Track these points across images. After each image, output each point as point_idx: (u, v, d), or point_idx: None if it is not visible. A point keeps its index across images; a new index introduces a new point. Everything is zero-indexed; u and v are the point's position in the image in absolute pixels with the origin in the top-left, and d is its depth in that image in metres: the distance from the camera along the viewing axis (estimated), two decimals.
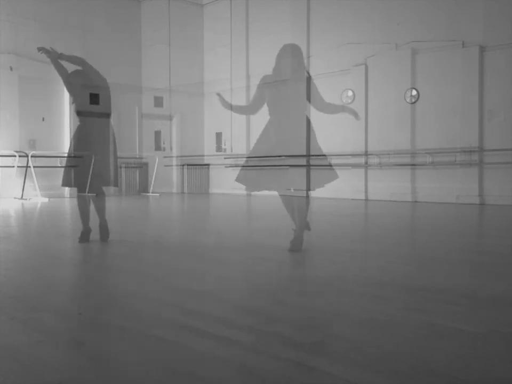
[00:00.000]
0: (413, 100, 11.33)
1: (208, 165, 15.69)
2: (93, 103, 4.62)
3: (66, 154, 5.26)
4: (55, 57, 4.80)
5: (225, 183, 15.06)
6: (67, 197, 13.18)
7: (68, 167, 5.11)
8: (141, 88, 14.84)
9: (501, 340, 2.17)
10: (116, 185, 5.59)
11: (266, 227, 6.52)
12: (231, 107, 4.96)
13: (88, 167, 4.91)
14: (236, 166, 14.71)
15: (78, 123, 5.02)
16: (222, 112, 15.47)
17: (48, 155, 13.22)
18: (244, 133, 14.83)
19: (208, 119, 16.04)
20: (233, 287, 3.29)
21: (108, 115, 4.88)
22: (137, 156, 15.57)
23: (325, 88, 12.99)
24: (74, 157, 4.88)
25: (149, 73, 14.69)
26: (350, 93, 12.42)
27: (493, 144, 10.26)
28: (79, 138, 4.99)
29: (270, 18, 14.19)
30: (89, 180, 4.88)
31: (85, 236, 5.05)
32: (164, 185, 15.30)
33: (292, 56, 4.54)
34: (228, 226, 6.81)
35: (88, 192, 4.91)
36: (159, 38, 15.21)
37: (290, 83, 4.56)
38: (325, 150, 5.04)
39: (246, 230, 6.23)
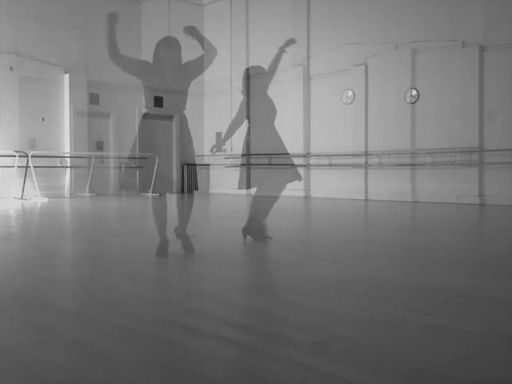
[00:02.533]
0: (413, 100, 11.33)
1: (208, 165, 15.69)
2: (157, 105, 4.58)
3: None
4: None
5: (225, 183, 15.07)
6: (67, 197, 13.19)
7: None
8: (141, 88, 14.82)
9: (501, 340, 2.17)
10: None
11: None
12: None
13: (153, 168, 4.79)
14: (236, 166, 14.74)
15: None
16: (222, 112, 15.48)
17: (48, 155, 13.24)
18: (243, 133, 14.82)
19: (208, 119, 16.05)
20: (233, 287, 3.29)
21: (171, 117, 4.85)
22: (137, 156, 15.57)
23: (325, 88, 13.06)
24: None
25: None
26: (350, 93, 12.43)
27: (493, 144, 10.27)
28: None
29: (270, 18, 14.20)
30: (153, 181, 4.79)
31: (163, 249, 4.24)
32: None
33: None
34: (228, 227, 6.81)
35: (152, 193, 4.81)
36: (159, 38, 15.21)
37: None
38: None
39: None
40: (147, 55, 15.53)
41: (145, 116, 4.67)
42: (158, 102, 4.49)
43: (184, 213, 4.60)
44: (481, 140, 10.45)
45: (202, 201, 11.97)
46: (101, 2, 14.65)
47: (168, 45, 4.44)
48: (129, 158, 4.87)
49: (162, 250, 4.22)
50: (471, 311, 2.61)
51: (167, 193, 4.71)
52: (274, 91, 5.34)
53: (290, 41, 5.14)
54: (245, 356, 1.98)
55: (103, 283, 3.37)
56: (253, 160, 5.70)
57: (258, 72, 5.29)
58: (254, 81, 5.30)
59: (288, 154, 5.38)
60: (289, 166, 5.27)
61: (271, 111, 5.20)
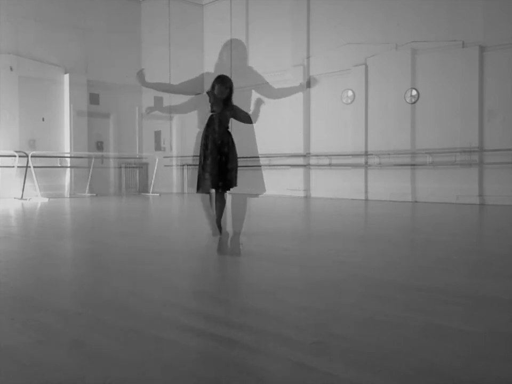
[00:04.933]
0: (413, 100, 11.33)
1: None
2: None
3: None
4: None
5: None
6: (67, 197, 13.19)
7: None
8: (141, 88, 14.85)
9: (501, 340, 2.17)
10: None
11: (264, 226, 6.52)
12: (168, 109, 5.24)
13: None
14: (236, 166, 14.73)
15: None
16: None
17: (48, 155, 13.24)
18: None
19: None
20: (233, 287, 3.29)
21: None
22: (137, 156, 15.58)
23: (325, 88, 13.08)
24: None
25: (149, 73, 14.67)
26: (350, 93, 12.43)
27: (493, 144, 10.27)
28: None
29: (270, 18, 14.20)
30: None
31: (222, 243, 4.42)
32: (164, 185, 15.29)
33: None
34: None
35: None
36: (159, 38, 15.22)
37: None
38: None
39: (245, 230, 6.21)
40: (147, 55, 15.59)
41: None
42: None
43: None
44: (481, 140, 10.45)
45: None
46: (101, 2, 14.66)
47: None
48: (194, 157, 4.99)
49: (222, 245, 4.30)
50: (471, 311, 2.61)
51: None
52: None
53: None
54: (245, 356, 1.98)
55: (103, 283, 3.37)
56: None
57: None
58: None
59: (258, 157, 5.51)
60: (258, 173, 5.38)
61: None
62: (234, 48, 4.78)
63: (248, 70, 5.05)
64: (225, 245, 4.35)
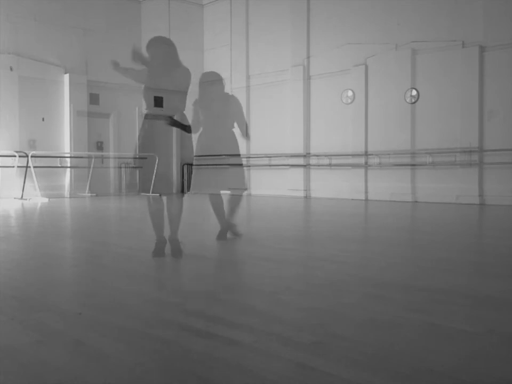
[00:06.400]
0: (413, 100, 11.33)
1: (207, 165, 15.68)
2: (157, 105, 4.55)
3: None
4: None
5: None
6: (67, 197, 13.19)
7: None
8: (141, 88, 14.83)
9: (501, 340, 2.17)
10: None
11: (264, 227, 6.52)
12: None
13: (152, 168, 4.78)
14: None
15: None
16: None
17: (48, 155, 13.24)
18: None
19: None
20: (233, 287, 3.29)
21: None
22: (138, 156, 15.56)
23: (325, 88, 13.06)
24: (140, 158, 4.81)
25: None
26: (350, 93, 12.43)
27: (493, 144, 10.26)
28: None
29: (270, 18, 14.19)
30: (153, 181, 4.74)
31: (160, 249, 4.28)
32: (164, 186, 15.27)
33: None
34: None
35: (151, 193, 4.77)
36: None
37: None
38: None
39: (245, 230, 6.22)
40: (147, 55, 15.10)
41: (146, 116, 4.63)
42: (158, 102, 4.48)
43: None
44: (481, 139, 10.45)
45: (199, 202, 11.95)
46: (101, 2, 14.65)
47: (164, 44, 4.41)
48: (134, 158, 4.81)
49: (159, 250, 4.24)
50: (471, 311, 2.61)
51: (167, 193, 4.74)
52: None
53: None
54: (245, 356, 1.98)
55: (103, 283, 3.37)
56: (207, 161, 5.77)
57: (210, 79, 5.26)
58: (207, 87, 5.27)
59: (239, 155, 5.52)
60: (237, 170, 5.41)
61: (227, 113, 5.25)
62: (158, 47, 4.56)
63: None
64: (162, 248, 4.28)
